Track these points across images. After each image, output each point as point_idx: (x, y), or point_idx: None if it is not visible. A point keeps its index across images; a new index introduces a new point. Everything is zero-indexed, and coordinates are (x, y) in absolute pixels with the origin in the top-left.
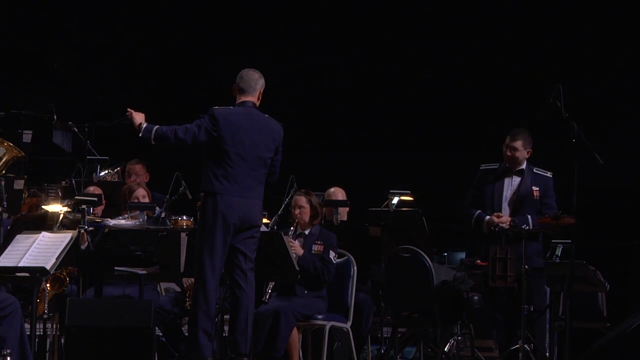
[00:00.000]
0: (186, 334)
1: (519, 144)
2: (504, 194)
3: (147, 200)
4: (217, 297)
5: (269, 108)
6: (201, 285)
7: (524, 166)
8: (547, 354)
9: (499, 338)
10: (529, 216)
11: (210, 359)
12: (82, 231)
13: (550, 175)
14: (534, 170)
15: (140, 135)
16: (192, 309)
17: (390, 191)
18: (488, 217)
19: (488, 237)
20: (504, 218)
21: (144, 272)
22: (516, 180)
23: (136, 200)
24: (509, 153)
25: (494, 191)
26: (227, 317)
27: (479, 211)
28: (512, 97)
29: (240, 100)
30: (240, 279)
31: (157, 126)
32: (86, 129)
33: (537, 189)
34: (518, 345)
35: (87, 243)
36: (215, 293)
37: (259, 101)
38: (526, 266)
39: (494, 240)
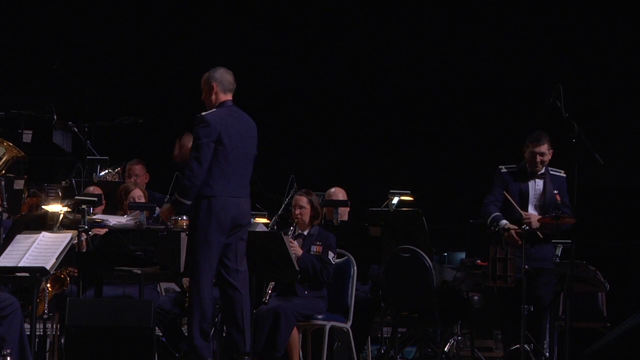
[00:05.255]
0: (186, 334)
1: (546, 147)
2: (530, 197)
3: (143, 201)
4: (214, 298)
5: (270, 108)
6: (196, 287)
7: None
8: (547, 354)
9: (504, 338)
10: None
11: (210, 359)
12: (83, 238)
13: (565, 175)
14: (550, 172)
15: (178, 210)
16: (189, 310)
17: (390, 191)
18: (507, 225)
19: (488, 237)
20: (533, 217)
21: (139, 271)
22: (539, 183)
23: (132, 201)
24: (538, 159)
25: (520, 195)
26: None
27: (497, 213)
28: (512, 97)
29: (220, 101)
30: (233, 278)
31: (175, 197)
32: (86, 129)
33: (557, 192)
34: (518, 346)
35: (85, 249)
36: (211, 294)
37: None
38: (526, 266)
39: (494, 240)
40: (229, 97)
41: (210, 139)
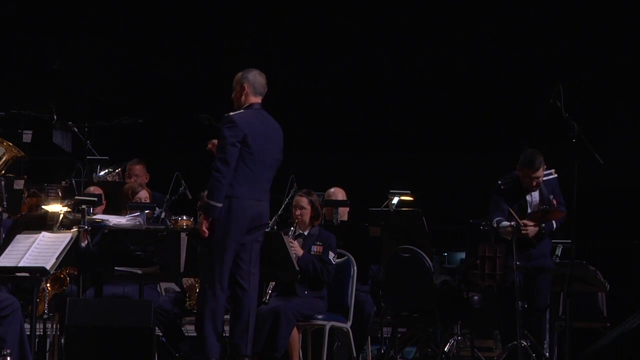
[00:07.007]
0: (186, 334)
1: (541, 171)
2: (528, 210)
3: (148, 202)
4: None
5: (270, 107)
6: (210, 285)
7: None
8: (547, 354)
9: (503, 337)
10: (553, 221)
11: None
12: (82, 230)
13: (556, 175)
14: (543, 178)
15: (211, 214)
16: (201, 310)
17: (390, 191)
18: (507, 223)
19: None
20: (530, 228)
21: (140, 271)
22: (535, 195)
23: (138, 201)
24: (534, 183)
25: (520, 209)
26: (226, 317)
27: (499, 217)
28: (512, 97)
29: (249, 103)
30: (244, 280)
31: (206, 201)
32: (86, 129)
33: (552, 195)
34: (516, 342)
35: (87, 241)
36: (225, 294)
37: None
38: (517, 262)
39: (483, 239)
40: (258, 99)
41: (237, 139)
